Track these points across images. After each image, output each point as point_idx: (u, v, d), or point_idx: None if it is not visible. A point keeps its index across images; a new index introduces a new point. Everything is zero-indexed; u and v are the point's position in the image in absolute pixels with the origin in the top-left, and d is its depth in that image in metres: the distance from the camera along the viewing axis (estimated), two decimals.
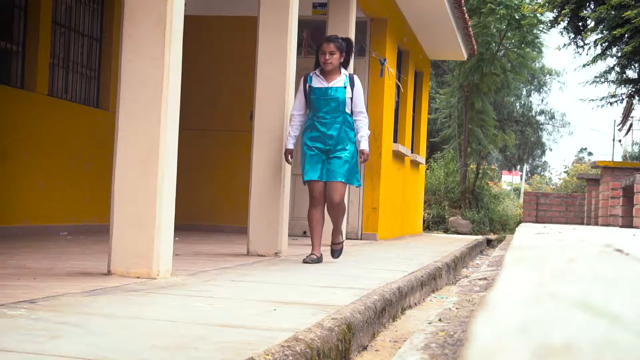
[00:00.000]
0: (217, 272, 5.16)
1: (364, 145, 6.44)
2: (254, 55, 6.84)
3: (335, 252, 6.66)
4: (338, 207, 6.39)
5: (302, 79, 6.48)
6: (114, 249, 4.62)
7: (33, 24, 8.46)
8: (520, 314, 0.99)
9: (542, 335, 0.88)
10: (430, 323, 3.42)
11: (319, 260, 6.29)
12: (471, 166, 19.03)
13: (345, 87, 6.35)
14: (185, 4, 4.88)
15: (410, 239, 12.19)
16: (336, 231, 6.64)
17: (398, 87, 12.18)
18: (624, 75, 16.21)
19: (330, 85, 6.34)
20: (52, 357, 2.28)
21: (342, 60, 6.41)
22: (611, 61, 17.27)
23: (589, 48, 16.15)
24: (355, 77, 6.52)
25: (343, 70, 6.44)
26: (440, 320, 3.51)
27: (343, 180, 6.32)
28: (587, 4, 15.61)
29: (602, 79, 16.65)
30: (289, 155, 6.48)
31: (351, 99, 6.39)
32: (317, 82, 6.38)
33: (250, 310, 3.46)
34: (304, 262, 6.17)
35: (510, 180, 43.70)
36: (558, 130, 38.74)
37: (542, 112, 36.53)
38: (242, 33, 11.17)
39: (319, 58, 6.37)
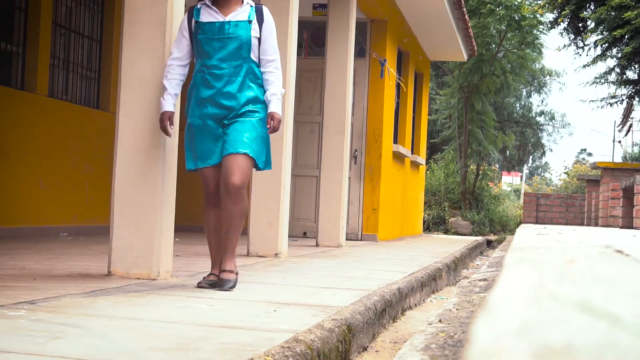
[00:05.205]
0: None
1: (275, 107, 4.40)
2: None
3: (225, 282, 4.26)
4: (235, 198, 4.25)
5: (185, 14, 4.54)
6: (114, 250, 4.62)
7: (33, 25, 8.47)
8: (521, 315, 0.99)
9: (542, 336, 0.88)
10: (430, 324, 3.42)
11: (236, 273, 4.39)
12: (471, 167, 19.03)
13: (250, 22, 4.41)
14: (185, 5, 4.88)
15: (411, 240, 12.20)
16: (227, 248, 4.38)
17: (398, 88, 12.19)
18: (624, 76, 16.21)
19: (228, 18, 4.38)
20: (52, 359, 2.28)
21: None
22: (611, 62, 17.27)
23: (589, 49, 16.16)
24: (265, 10, 4.52)
25: None
26: (440, 321, 3.51)
27: (248, 152, 4.26)
28: (587, 5, 15.61)
29: (602, 80, 16.65)
30: (168, 121, 4.42)
31: (259, 39, 4.43)
32: (208, 15, 4.41)
33: (251, 311, 3.46)
34: (199, 286, 4.31)
35: (510, 181, 43.72)
36: (558, 131, 38.75)
37: (542, 113, 36.52)
38: None
39: None
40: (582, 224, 15.00)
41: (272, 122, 4.39)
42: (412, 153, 13.61)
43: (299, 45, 10.05)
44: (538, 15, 16.97)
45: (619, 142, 39.92)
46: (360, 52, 10.69)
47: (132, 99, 4.63)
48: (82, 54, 9.48)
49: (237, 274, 4.37)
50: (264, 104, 4.42)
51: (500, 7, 16.67)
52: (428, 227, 17.37)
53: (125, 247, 4.60)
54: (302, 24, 9.07)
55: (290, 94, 6.74)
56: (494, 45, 17.40)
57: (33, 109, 8.39)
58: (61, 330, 2.72)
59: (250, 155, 4.26)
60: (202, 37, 4.35)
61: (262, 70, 4.45)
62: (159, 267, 4.56)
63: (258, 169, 4.43)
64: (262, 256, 6.64)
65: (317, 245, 8.76)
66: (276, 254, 6.64)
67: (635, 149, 33.29)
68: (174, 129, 4.55)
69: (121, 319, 3.07)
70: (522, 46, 17.82)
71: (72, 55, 9.29)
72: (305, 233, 10.79)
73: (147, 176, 4.58)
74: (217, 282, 4.28)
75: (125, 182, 4.63)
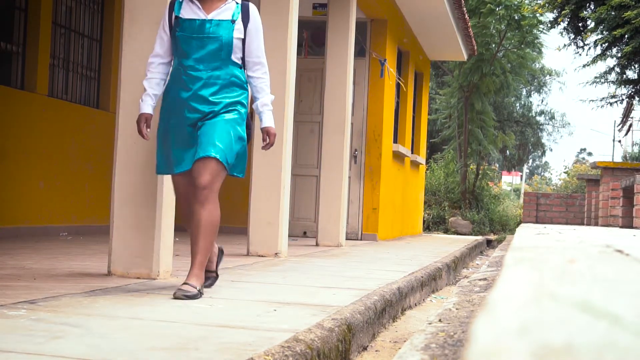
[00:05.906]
0: None
1: (268, 121, 4.18)
2: None
3: (185, 292, 3.77)
4: (203, 199, 3.90)
5: (167, 7, 4.21)
6: (114, 250, 4.63)
7: (33, 25, 8.47)
8: (521, 314, 0.99)
9: (542, 336, 0.88)
10: (430, 323, 3.42)
11: (200, 291, 3.86)
12: (471, 167, 19.04)
13: (233, 22, 4.08)
14: None
15: (411, 240, 12.20)
16: (194, 261, 3.93)
17: (398, 88, 12.19)
18: (624, 75, 16.21)
19: (210, 17, 4.06)
20: (52, 358, 2.28)
21: None
22: (611, 62, 17.29)
23: (589, 48, 16.15)
24: (252, 7, 4.18)
25: None
26: (440, 320, 3.51)
27: (218, 157, 3.89)
28: (587, 4, 15.61)
29: (602, 80, 16.64)
30: (143, 123, 4.12)
31: (243, 41, 4.11)
32: (189, 11, 4.10)
33: (251, 310, 3.46)
34: (175, 297, 3.74)
35: (510, 180, 43.75)
36: (558, 130, 38.76)
37: (542, 113, 36.54)
38: None
39: None
40: (582, 224, 15.00)
41: (267, 137, 4.18)
42: (412, 153, 13.61)
43: (299, 45, 10.05)
44: (538, 15, 16.98)
45: (619, 141, 39.94)
46: (360, 52, 10.69)
47: (132, 99, 4.63)
48: (82, 53, 9.48)
49: (200, 292, 3.84)
50: (244, 106, 4.10)
51: (500, 7, 16.67)
52: (428, 227, 17.37)
53: (125, 247, 4.60)
54: (302, 24, 9.07)
55: (290, 94, 6.74)
56: (493, 45, 17.40)
57: (33, 108, 8.38)
58: (61, 330, 2.72)
59: (219, 158, 3.88)
60: (180, 35, 4.04)
61: (248, 73, 4.16)
62: (159, 266, 4.57)
63: (231, 174, 4.07)
64: (261, 256, 6.64)
65: (317, 244, 8.76)
66: (276, 254, 6.64)
67: (635, 149, 33.31)
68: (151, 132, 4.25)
69: (121, 318, 3.07)
70: (522, 46, 17.82)
71: (72, 55, 9.29)
72: (305, 233, 10.79)
73: (147, 176, 4.59)
74: (178, 290, 3.80)
75: (125, 182, 4.63)
